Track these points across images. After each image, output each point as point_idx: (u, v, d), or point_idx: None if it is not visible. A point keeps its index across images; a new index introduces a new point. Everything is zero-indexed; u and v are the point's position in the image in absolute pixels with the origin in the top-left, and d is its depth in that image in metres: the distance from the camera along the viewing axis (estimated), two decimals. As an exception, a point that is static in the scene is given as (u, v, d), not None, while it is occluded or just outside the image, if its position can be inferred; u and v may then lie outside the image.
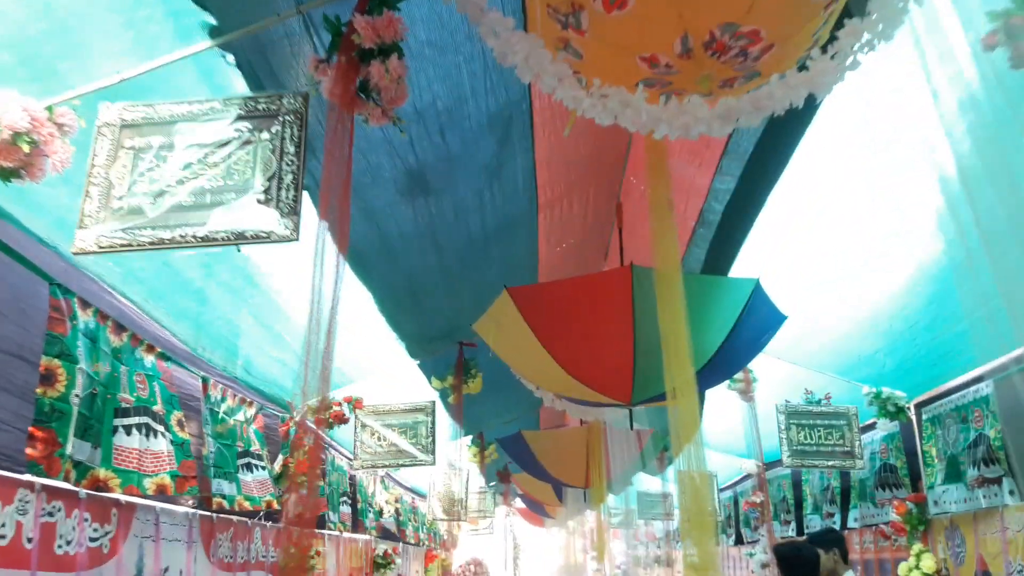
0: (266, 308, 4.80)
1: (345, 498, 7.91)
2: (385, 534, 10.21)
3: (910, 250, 4.67)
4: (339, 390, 6.37)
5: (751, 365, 6.33)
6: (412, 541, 11.54)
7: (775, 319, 4.30)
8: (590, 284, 3.94)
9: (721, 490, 10.87)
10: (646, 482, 12.61)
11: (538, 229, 4.60)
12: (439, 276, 4.60)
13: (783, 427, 6.24)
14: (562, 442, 7.61)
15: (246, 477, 4.93)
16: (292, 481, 6.19)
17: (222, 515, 4.66)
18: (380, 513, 9.99)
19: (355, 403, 6.36)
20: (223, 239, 2.51)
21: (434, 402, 6.43)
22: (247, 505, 4.77)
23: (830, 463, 6.19)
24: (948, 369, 5.78)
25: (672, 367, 2.57)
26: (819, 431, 6.25)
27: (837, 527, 7.60)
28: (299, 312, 5.26)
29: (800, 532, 8.61)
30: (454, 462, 9.23)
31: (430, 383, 6.45)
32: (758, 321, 4.15)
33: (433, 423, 6.34)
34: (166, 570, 3.98)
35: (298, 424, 6.17)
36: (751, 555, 10.18)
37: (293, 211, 2.47)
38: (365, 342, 6.17)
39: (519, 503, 17.99)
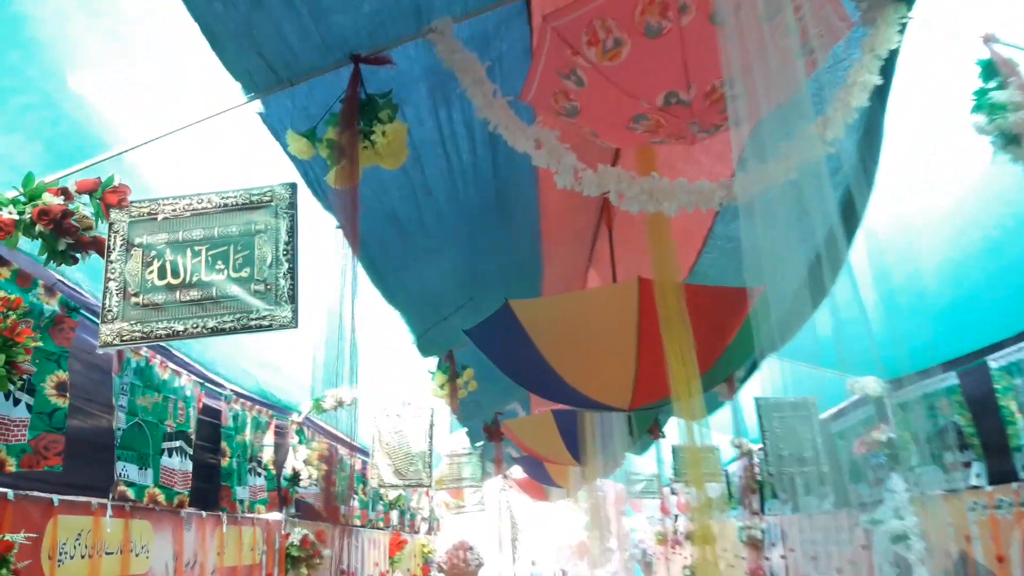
0: None
1: (181, 443, 4.24)
2: (305, 511, 6.58)
3: None
4: (72, 169, 2.69)
5: None
6: (359, 522, 7.90)
7: None
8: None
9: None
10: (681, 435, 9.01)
11: None
12: None
13: None
14: (590, 314, 3.90)
15: None
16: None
17: None
18: (295, 478, 6.37)
19: (106, 194, 2.67)
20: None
21: (293, 186, 2.73)
22: None
23: None
24: None
25: None
26: None
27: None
28: None
29: (998, 480, 4.99)
30: (401, 394, 5.59)
31: (286, 150, 2.77)
32: None
33: (292, 233, 2.66)
34: None
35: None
36: (873, 523, 6.56)
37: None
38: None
39: (517, 472, 14.42)
